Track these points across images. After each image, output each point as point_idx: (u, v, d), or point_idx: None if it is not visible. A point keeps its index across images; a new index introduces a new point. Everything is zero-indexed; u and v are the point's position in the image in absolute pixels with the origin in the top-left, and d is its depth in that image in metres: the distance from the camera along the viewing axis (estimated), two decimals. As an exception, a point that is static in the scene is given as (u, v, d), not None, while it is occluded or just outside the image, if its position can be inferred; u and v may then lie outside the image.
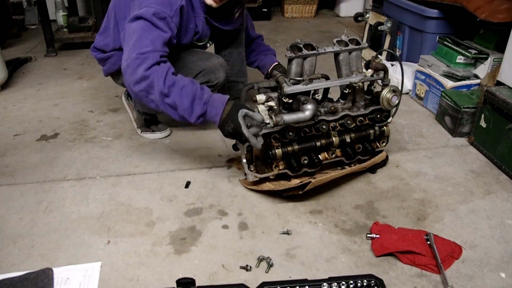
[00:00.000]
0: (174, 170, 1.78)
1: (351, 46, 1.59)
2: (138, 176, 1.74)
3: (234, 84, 2.06)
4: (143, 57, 1.42)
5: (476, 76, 2.18)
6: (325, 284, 1.17)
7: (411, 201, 1.59)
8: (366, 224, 1.46)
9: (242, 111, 1.40)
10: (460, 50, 2.18)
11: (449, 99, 2.03)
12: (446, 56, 2.25)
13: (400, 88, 1.66)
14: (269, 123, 1.49)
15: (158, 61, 1.43)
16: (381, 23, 2.79)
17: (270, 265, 1.28)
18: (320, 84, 1.56)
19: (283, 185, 1.59)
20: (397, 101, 1.62)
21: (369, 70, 1.67)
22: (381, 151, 1.75)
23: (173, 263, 1.31)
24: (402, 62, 2.05)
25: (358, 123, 1.65)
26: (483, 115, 1.87)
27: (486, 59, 2.13)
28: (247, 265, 1.29)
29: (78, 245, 1.38)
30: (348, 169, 1.65)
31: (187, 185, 1.68)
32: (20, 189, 1.66)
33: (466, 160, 1.85)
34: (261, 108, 1.53)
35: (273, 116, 1.47)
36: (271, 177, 1.61)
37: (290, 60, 1.52)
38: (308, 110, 1.47)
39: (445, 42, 2.28)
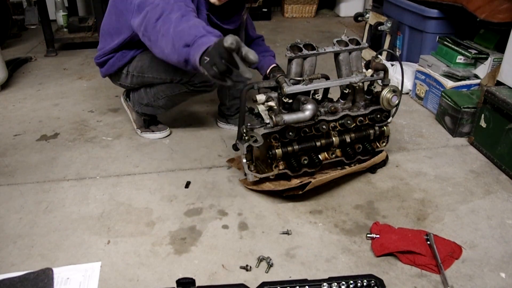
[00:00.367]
0: (174, 170, 1.78)
1: (351, 46, 1.59)
2: (138, 176, 1.74)
3: (234, 84, 2.06)
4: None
5: (476, 76, 2.18)
6: (325, 284, 1.17)
7: (411, 201, 1.59)
8: (366, 224, 1.46)
9: (222, 38, 1.17)
10: (460, 50, 2.18)
11: (449, 99, 2.03)
12: (446, 56, 2.25)
13: (400, 88, 1.66)
14: (269, 123, 1.49)
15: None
16: (381, 23, 2.79)
17: (270, 265, 1.29)
18: (320, 84, 1.56)
19: (283, 185, 1.59)
20: (397, 101, 1.62)
21: (369, 70, 1.67)
22: (381, 151, 1.75)
23: (173, 263, 1.31)
24: (402, 62, 2.05)
25: (358, 123, 1.65)
26: (483, 115, 1.87)
27: (486, 59, 2.13)
28: (247, 265, 1.29)
29: (78, 245, 1.38)
30: (348, 169, 1.65)
31: (187, 185, 1.68)
32: (20, 189, 1.66)
33: (466, 160, 1.85)
34: (261, 108, 1.53)
35: (273, 116, 1.47)
36: (271, 177, 1.61)
37: (290, 60, 1.52)
38: (308, 110, 1.47)
39: (445, 42, 2.28)
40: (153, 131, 2.03)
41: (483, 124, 1.88)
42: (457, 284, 1.23)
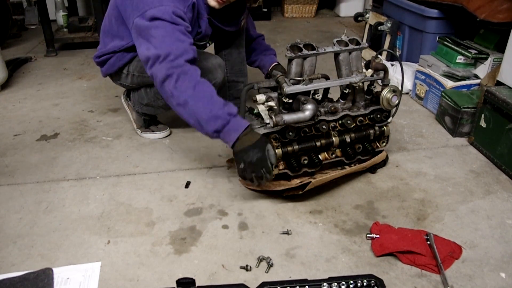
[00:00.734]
0: (174, 170, 1.78)
1: (351, 46, 1.58)
2: (138, 176, 1.74)
3: (234, 84, 2.06)
4: (170, 63, 1.45)
5: (476, 76, 2.18)
6: (325, 284, 1.17)
7: (411, 201, 1.59)
8: (366, 224, 1.46)
9: (269, 145, 1.44)
10: (460, 50, 2.18)
11: (449, 99, 2.03)
12: (446, 56, 2.25)
13: (400, 88, 1.66)
14: (269, 123, 1.49)
15: (182, 65, 1.46)
16: (381, 23, 2.79)
17: (270, 265, 1.29)
18: (320, 84, 1.56)
19: (283, 185, 1.59)
20: (397, 101, 1.62)
21: (369, 70, 1.67)
22: (381, 151, 1.75)
23: (173, 263, 1.31)
24: (402, 62, 2.05)
25: (358, 123, 1.65)
26: (483, 115, 1.87)
27: (486, 59, 2.13)
28: (247, 265, 1.29)
29: (78, 245, 1.38)
30: (348, 169, 1.65)
31: (187, 185, 1.68)
32: (20, 189, 1.66)
33: (466, 160, 1.85)
34: (261, 108, 1.53)
35: (273, 116, 1.47)
36: (271, 177, 1.61)
37: (290, 60, 1.52)
38: (308, 110, 1.47)
39: (445, 42, 2.28)
40: (153, 131, 2.03)
41: (483, 124, 1.88)
42: (457, 284, 1.23)
